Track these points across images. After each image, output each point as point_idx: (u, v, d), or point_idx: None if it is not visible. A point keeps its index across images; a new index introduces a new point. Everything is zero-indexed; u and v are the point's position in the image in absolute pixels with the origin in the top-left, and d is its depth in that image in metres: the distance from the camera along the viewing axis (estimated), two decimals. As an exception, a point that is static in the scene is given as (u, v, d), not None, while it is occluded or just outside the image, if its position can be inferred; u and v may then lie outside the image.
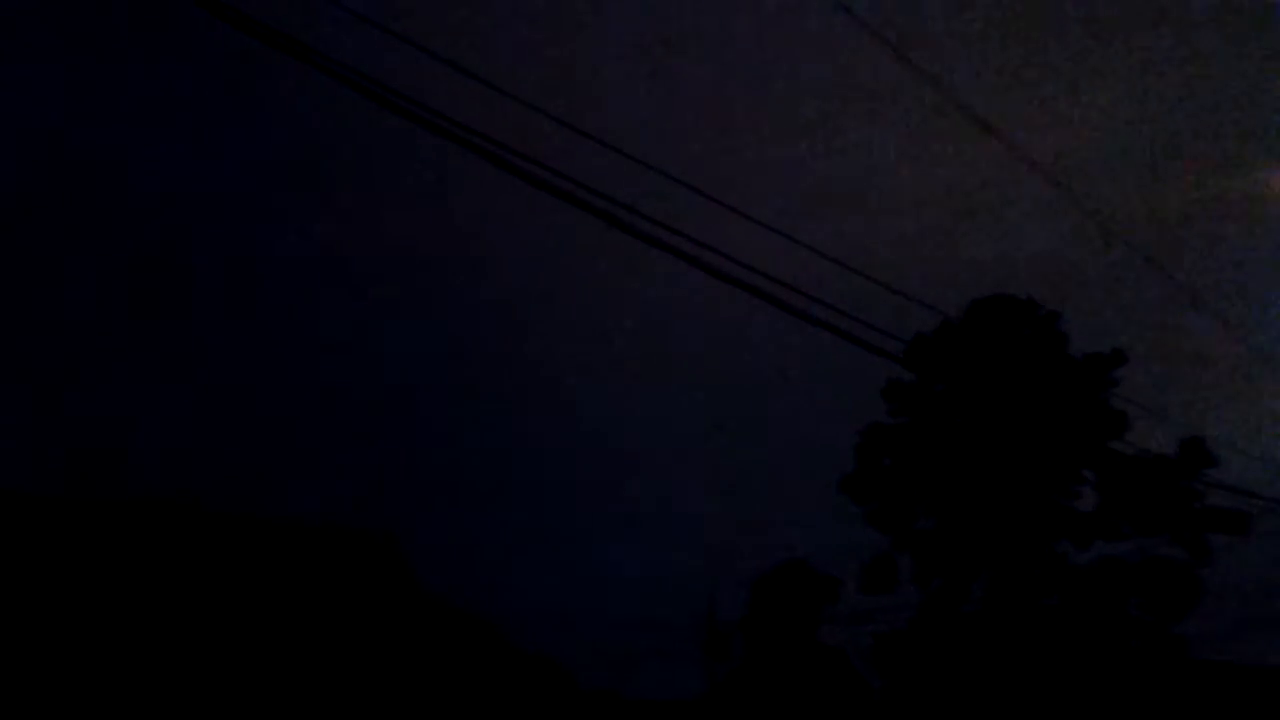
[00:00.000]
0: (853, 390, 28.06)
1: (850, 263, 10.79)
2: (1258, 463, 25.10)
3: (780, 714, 29.36)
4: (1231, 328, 25.36)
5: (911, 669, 27.00)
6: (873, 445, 27.58)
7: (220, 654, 19.68)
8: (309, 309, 60.33)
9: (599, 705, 27.10)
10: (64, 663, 18.36)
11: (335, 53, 6.37)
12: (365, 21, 6.92)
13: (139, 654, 19.05)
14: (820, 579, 30.85)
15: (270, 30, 6.27)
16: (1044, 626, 25.93)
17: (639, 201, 7.49)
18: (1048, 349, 27.19)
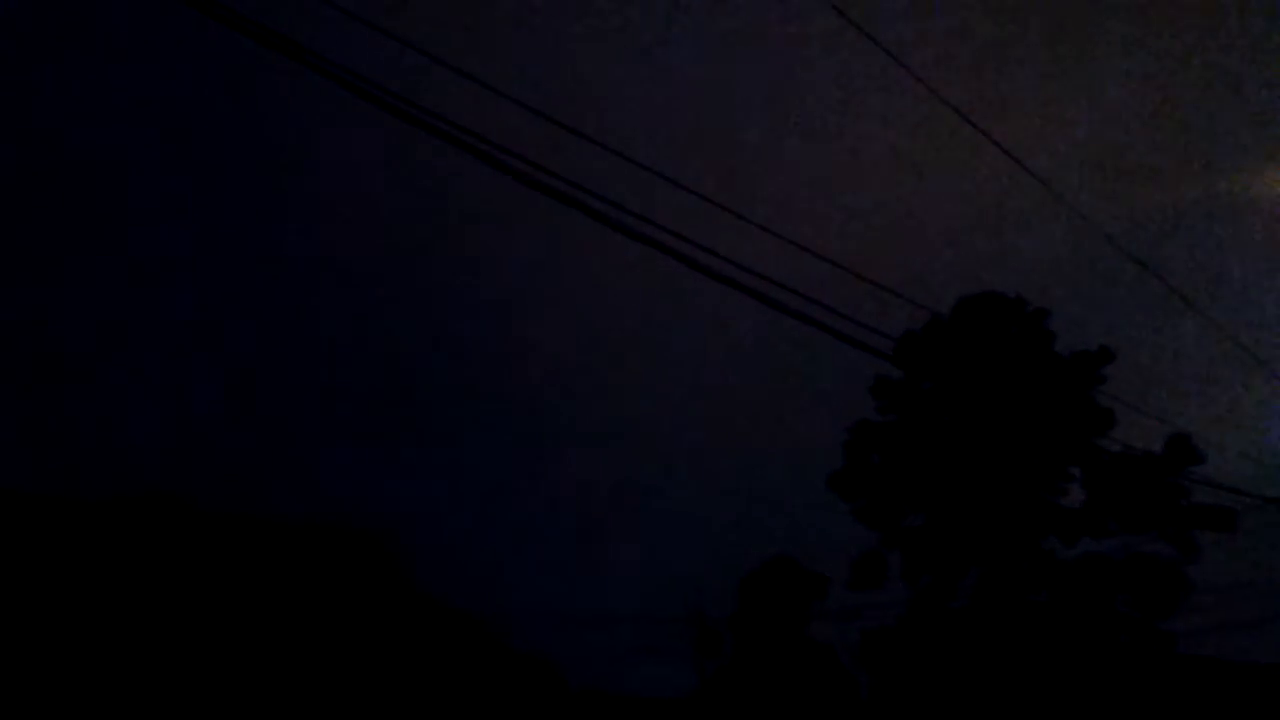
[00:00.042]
0: (843, 387, 28.15)
1: (838, 260, 10.84)
2: (1244, 460, 25.24)
3: (769, 710, 29.42)
4: (1217, 326, 25.45)
5: (900, 665, 27.08)
6: (861, 442, 27.65)
7: (213, 652, 19.68)
8: (306, 308, 60.28)
9: (589, 702, 27.15)
10: (54, 660, 18.34)
11: (330, 53, 6.40)
12: (366, 25, 6.93)
13: (132, 652, 19.03)
14: (809, 576, 30.92)
15: (269, 31, 6.29)
16: (1032, 622, 26.02)
17: (634, 201, 7.53)
18: (1035, 346, 27.27)
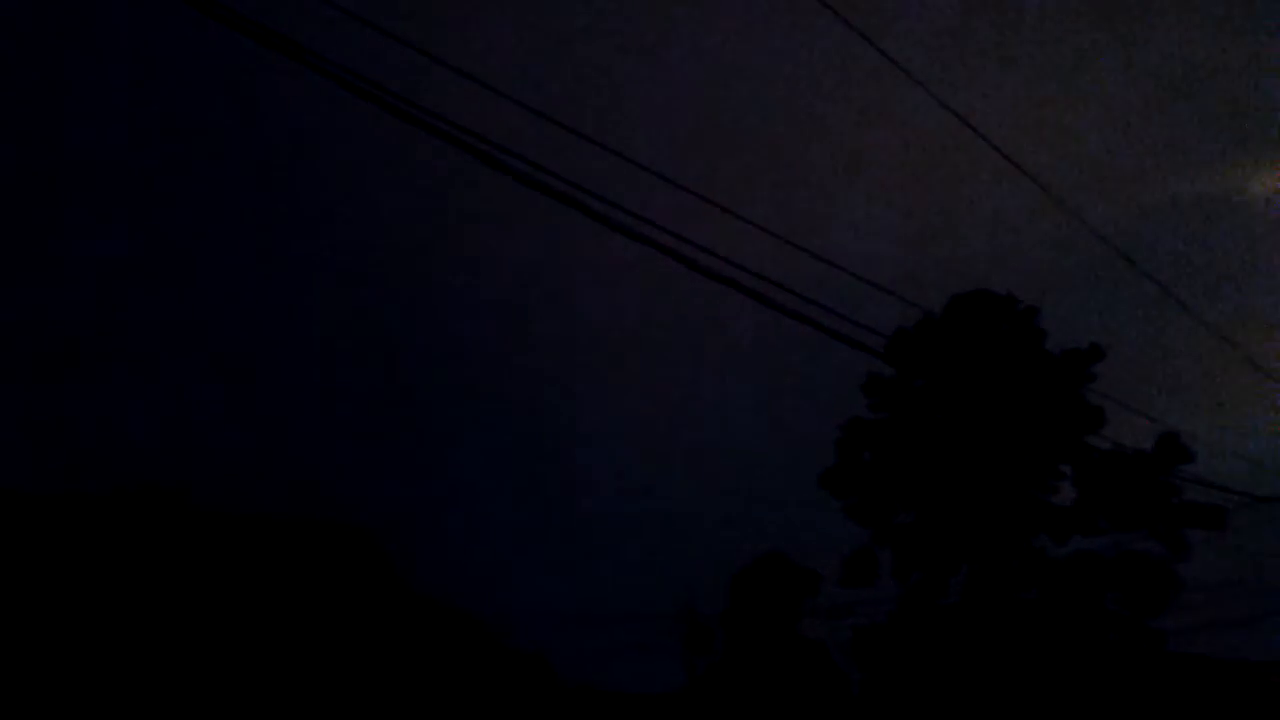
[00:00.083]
0: (834, 384, 28.18)
1: (831, 257, 10.86)
2: (1233, 458, 25.31)
3: (760, 707, 29.46)
4: (1207, 325, 25.49)
5: (891, 662, 27.12)
6: (853, 439, 27.66)
7: (206, 647, 19.66)
8: (302, 306, 60.24)
9: (581, 698, 27.17)
10: (46, 653, 18.30)
11: (330, 52, 6.39)
12: (365, 24, 6.92)
13: (125, 647, 19.00)
14: (800, 573, 30.95)
15: (269, 30, 6.28)
16: (1022, 620, 26.08)
17: (629, 199, 7.54)
18: (1026, 344, 27.31)
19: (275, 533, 22.07)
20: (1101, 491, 26.19)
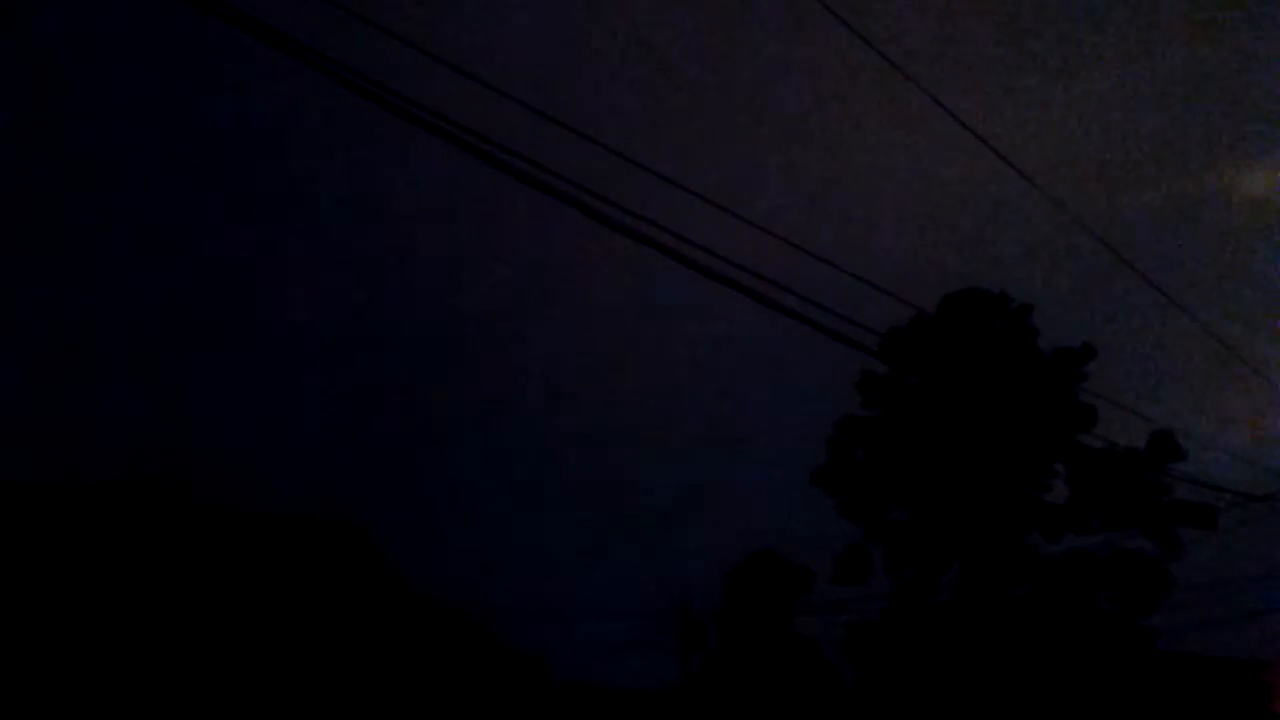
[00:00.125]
0: (827, 382, 28.23)
1: (825, 255, 10.92)
2: (1225, 457, 25.41)
3: (753, 703, 29.52)
4: (1199, 324, 25.60)
5: (883, 659, 27.19)
6: (846, 437, 27.71)
7: (194, 645, 19.65)
8: (301, 304, 60.22)
9: (574, 695, 27.20)
10: (31, 649, 18.29)
11: (330, 50, 6.42)
12: (365, 21, 6.96)
13: (110, 643, 18.99)
14: (793, 570, 30.98)
15: (267, 27, 6.31)
16: (1014, 618, 26.16)
17: (626, 198, 7.57)
18: (1019, 343, 27.39)
19: (269, 529, 22.06)
20: (1094, 490, 26.27)
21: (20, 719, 17.52)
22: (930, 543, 26.75)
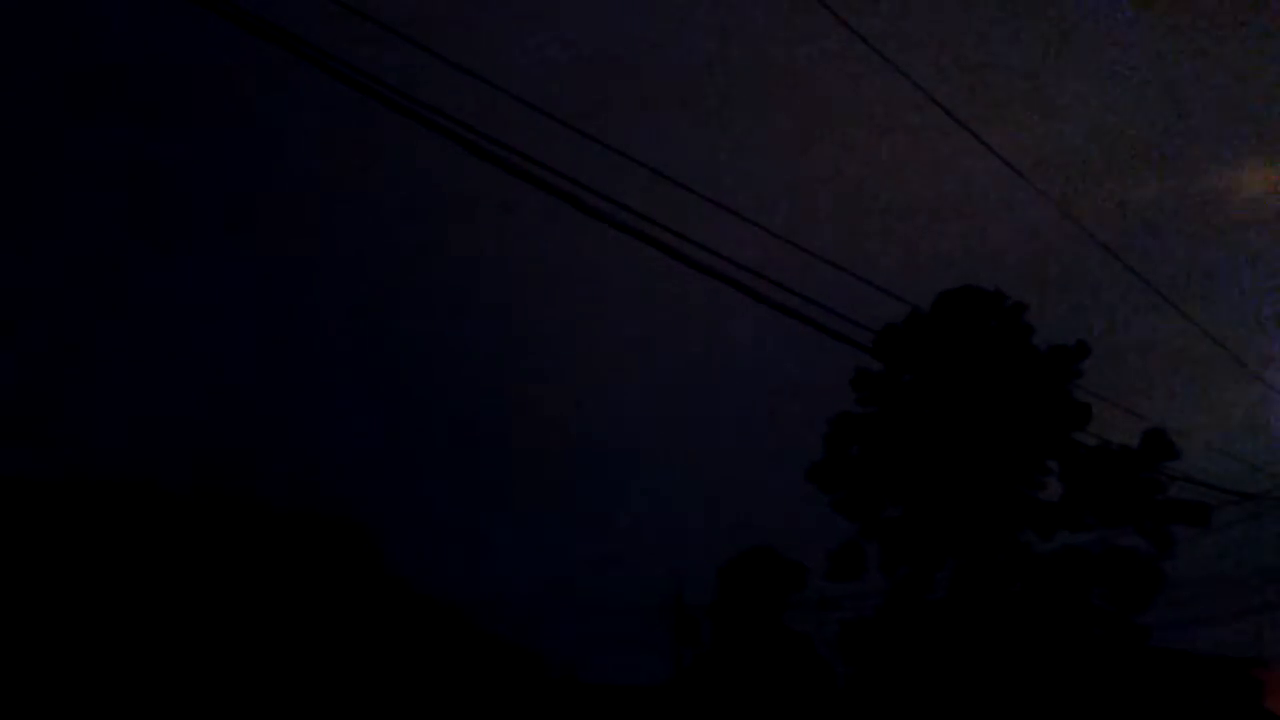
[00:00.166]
0: (823, 380, 28.28)
1: (820, 253, 10.95)
2: (1218, 455, 25.45)
3: (747, 699, 29.57)
4: (1193, 322, 25.65)
5: (877, 656, 27.26)
6: (841, 434, 27.76)
7: (190, 641, 19.65)
8: (300, 302, 60.11)
9: (566, 690, 27.23)
10: (24, 645, 18.28)
11: (329, 47, 6.44)
12: (363, 18, 6.98)
13: (108, 639, 18.99)
14: (787, 566, 31.02)
15: (265, 24, 6.32)
16: (1008, 615, 26.23)
17: (624, 196, 7.60)
18: (1013, 340, 27.45)
19: (267, 525, 22.04)
20: (1088, 487, 26.35)
21: (21, 717, 17.51)
22: (924, 539, 26.81)
